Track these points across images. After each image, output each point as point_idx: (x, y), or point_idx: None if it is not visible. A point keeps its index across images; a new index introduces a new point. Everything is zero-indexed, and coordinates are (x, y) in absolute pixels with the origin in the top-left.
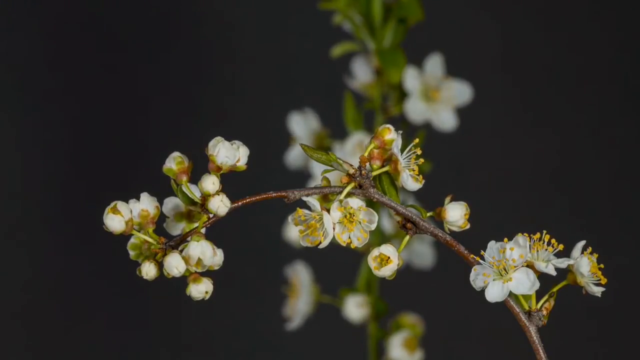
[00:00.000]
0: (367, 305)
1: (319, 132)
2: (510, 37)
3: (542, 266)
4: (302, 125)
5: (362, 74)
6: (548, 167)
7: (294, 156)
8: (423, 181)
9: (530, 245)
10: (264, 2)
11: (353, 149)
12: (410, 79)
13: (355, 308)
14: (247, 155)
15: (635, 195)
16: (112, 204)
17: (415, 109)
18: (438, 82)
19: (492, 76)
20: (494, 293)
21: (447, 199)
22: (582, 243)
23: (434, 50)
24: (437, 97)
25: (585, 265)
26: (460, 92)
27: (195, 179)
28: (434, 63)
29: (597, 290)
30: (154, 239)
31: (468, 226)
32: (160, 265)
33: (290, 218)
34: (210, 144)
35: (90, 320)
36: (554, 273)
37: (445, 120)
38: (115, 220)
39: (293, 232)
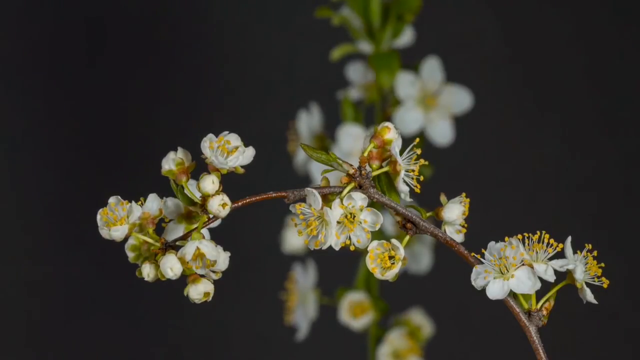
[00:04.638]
0: (366, 311)
1: (319, 134)
2: (510, 38)
3: (541, 270)
4: (305, 124)
5: (359, 77)
6: (548, 167)
7: (302, 161)
8: (413, 193)
9: (529, 245)
10: (264, 3)
11: (345, 139)
12: (404, 86)
13: (353, 320)
14: (253, 155)
15: (637, 194)
16: (111, 205)
17: (406, 119)
18: (436, 88)
19: (492, 76)
20: (495, 290)
21: (442, 198)
22: (570, 239)
23: (435, 54)
24: (435, 103)
25: (580, 272)
26: (459, 98)
27: (197, 176)
28: (431, 67)
29: (590, 298)
30: (154, 239)
31: (462, 237)
32: None
33: (291, 207)
34: (206, 151)
35: (90, 320)
36: (552, 279)
37: (441, 132)
38: (119, 231)
39: (293, 239)
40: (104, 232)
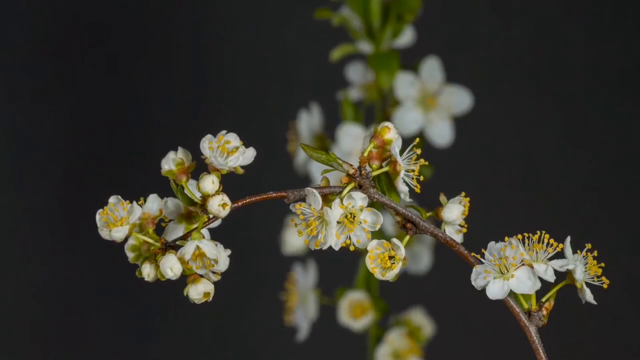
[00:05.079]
0: (366, 311)
1: (319, 134)
2: (510, 38)
3: (541, 270)
4: (305, 124)
5: (358, 77)
6: (548, 167)
7: (302, 161)
8: (413, 193)
9: (529, 246)
10: (264, 3)
11: (345, 139)
12: (403, 87)
13: (353, 322)
14: (253, 156)
15: (637, 194)
16: (110, 205)
17: (406, 119)
18: (436, 88)
19: (492, 75)
20: (495, 290)
21: (442, 198)
22: (569, 239)
23: (435, 54)
24: (434, 104)
25: (579, 272)
26: (459, 99)
27: (197, 176)
28: (431, 67)
29: (590, 298)
30: (154, 239)
31: (461, 237)
32: None
33: (291, 207)
34: (206, 151)
35: (90, 321)
36: (552, 279)
37: (440, 133)
38: (120, 232)
39: (293, 240)
40: (104, 233)
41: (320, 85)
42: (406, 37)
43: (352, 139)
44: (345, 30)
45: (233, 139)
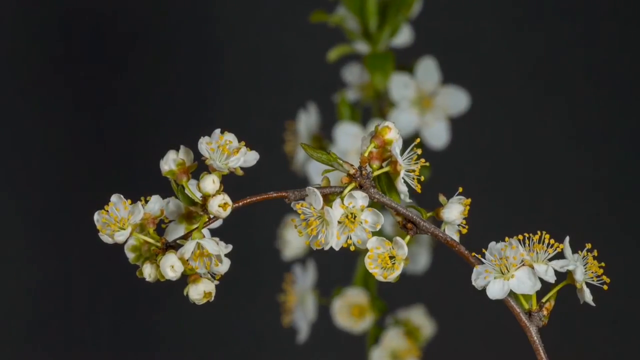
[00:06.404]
0: (364, 313)
1: (316, 134)
2: (507, 36)
3: (541, 271)
4: (304, 124)
5: (355, 77)
6: (548, 167)
7: (302, 162)
8: (414, 193)
9: (530, 246)
10: (263, 3)
11: (342, 137)
12: (397, 88)
13: (353, 324)
14: (256, 159)
15: (637, 194)
16: (110, 204)
17: (400, 121)
18: (432, 89)
19: (491, 74)
20: (495, 290)
21: (441, 198)
22: (568, 239)
23: (432, 54)
24: (431, 105)
25: (580, 273)
26: (456, 100)
27: (198, 176)
28: (426, 68)
29: (589, 299)
30: (155, 239)
31: (456, 238)
32: None
33: (293, 206)
34: (205, 152)
35: (89, 321)
36: (552, 280)
37: (436, 134)
38: (123, 236)
39: (293, 242)
40: (105, 238)
41: (317, 86)
42: (403, 37)
43: (349, 138)
44: (342, 30)
45: (232, 139)
